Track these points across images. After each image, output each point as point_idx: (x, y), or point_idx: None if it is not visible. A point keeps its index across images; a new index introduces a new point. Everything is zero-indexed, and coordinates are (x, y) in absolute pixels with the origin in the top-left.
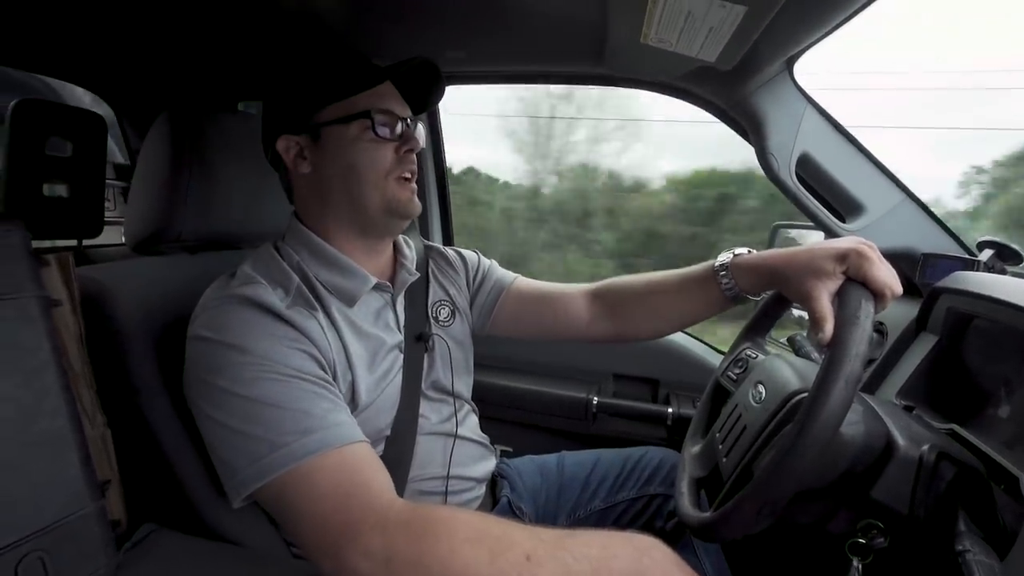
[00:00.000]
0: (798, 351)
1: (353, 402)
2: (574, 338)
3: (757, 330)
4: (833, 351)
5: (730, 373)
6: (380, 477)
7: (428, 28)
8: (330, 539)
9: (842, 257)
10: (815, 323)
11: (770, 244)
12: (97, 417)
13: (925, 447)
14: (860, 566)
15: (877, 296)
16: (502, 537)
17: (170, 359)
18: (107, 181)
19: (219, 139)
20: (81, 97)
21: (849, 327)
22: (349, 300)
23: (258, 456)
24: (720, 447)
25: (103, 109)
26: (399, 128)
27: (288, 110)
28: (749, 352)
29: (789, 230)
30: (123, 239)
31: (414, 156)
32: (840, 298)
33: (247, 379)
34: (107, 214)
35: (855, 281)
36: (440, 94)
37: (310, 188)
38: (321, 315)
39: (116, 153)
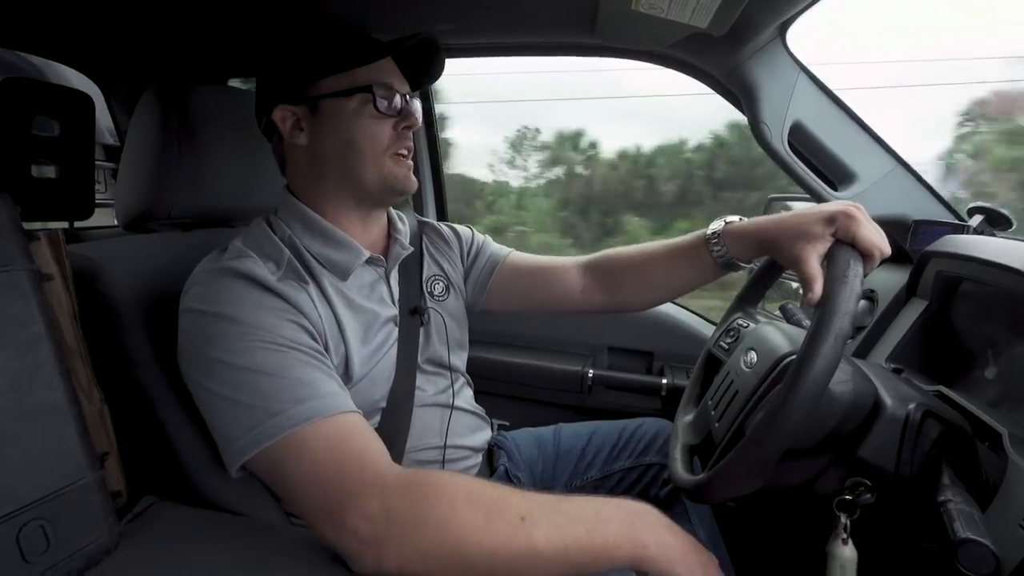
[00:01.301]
0: (789, 320)
1: (347, 374)
2: (568, 310)
3: (749, 300)
4: (822, 309)
5: (722, 343)
6: (375, 444)
7: (416, 0)
8: (330, 503)
9: (830, 219)
10: (805, 283)
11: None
12: (94, 392)
13: (912, 406)
14: (848, 522)
15: (865, 256)
16: (498, 499)
17: (164, 333)
18: (97, 162)
19: (208, 115)
20: (66, 76)
21: (838, 286)
22: (342, 273)
23: (254, 424)
24: (712, 413)
25: (90, 89)
26: (398, 104)
27: (287, 80)
28: (740, 322)
29: (783, 202)
30: (115, 221)
31: (411, 133)
32: (829, 259)
33: (240, 349)
34: (97, 196)
35: (843, 243)
36: (439, 71)
37: (306, 160)
38: (312, 288)
39: (105, 134)
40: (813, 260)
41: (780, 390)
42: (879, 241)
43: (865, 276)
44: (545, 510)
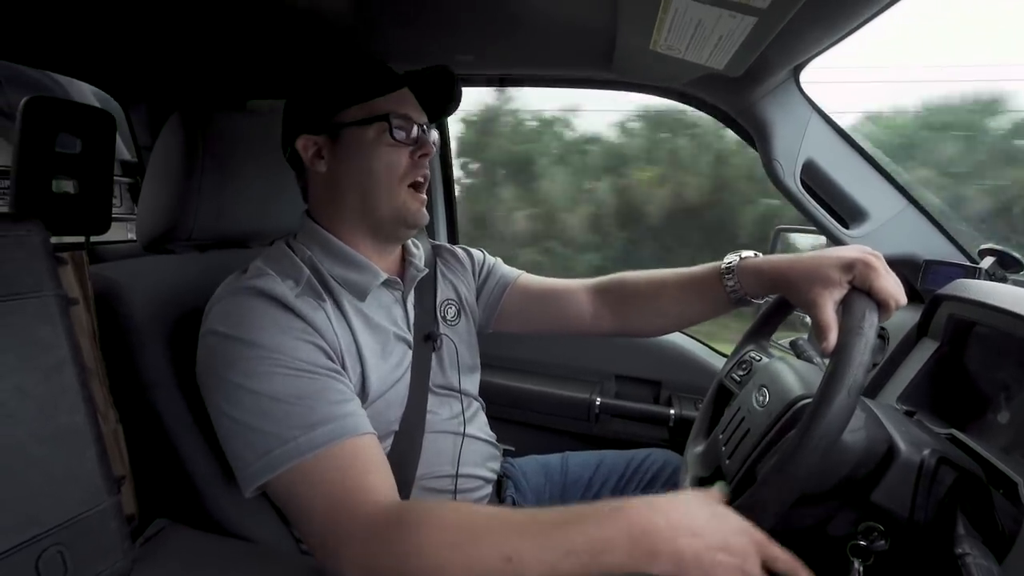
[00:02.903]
0: (800, 356)
1: (364, 392)
2: (578, 333)
3: (761, 333)
4: (837, 360)
5: (734, 375)
6: (376, 476)
7: (439, 32)
8: (325, 536)
9: (848, 267)
10: (819, 331)
11: (772, 248)
12: (110, 413)
13: (926, 452)
14: (861, 568)
15: (881, 306)
16: (481, 539)
17: (181, 355)
18: (114, 178)
19: (231, 138)
20: (89, 94)
21: (853, 336)
22: (360, 294)
23: (267, 450)
24: (723, 449)
25: (111, 106)
26: (415, 133)
27: (309, 110)
28: (753, 355)
29: (791, 234)
30: (129, 235)
31: (427, 162)
32: (845, 307)
33: (257, 374)
34: (114, 211)
35: (860, 291)
36: (456, 103)
37: (325, 187)
38: (329, 306)
39: (123, 150)
40: (829, 307)
41: (792, 437)
42: (895, 292)
43: (879, 325)
44: (534, 547)
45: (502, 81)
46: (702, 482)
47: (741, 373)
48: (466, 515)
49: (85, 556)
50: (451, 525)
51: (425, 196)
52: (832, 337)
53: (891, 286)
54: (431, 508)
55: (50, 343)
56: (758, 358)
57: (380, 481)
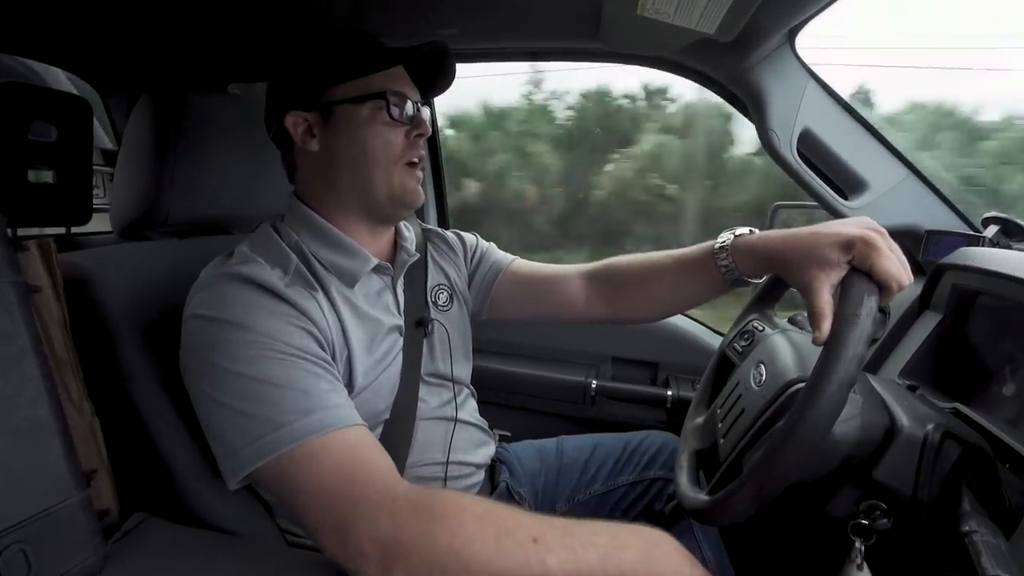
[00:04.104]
0: (802, 329)
1: (350, 384)
2: (571, 319)
3: (766, 301)
4: (828, 350)
5: (736, 345)
6: (383, 459)
7: (420, 4)
8: (338, 518)
9: (848, 246)
10: (813, 319)
11: (769, 225)
12: (84, 405)
13: (930, 427)
14: (863, 548)
15: (882, 288)
16: (509, 519)
17: (158, 344)
18: (95, 167)
19: (206, 121)
20: (64, 81)
21: (847, 326)
22: (349, 280)
23: (259, 435)
24: (720, 425)
25: (88, 93)
26: (410, 111)
27: (300, 86)
28: (756, 324)
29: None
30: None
31: (422, 142)
32: (842, 291)
33: (248, 358)
34: (96, 201)
35: (860, 272)
36: (449, 81)
37: (317, 166)
38: (321, 295)
39: (104, 138)
40: (824, 292)
41: (780, 431)
42: (898, 273)
43: (879, 307)
44: (558, 533)
45: (487, 56)
46: (699, 455)
47: (743, 344)
48: (491, 502)
49: (51, 553)
50: (479, 504)
51: (420, 174)
52: (825, 327)
53: (893, 267)
54: (453, 491)
55: (8, 333)
56: (760, 328)
57: (389, 462)
